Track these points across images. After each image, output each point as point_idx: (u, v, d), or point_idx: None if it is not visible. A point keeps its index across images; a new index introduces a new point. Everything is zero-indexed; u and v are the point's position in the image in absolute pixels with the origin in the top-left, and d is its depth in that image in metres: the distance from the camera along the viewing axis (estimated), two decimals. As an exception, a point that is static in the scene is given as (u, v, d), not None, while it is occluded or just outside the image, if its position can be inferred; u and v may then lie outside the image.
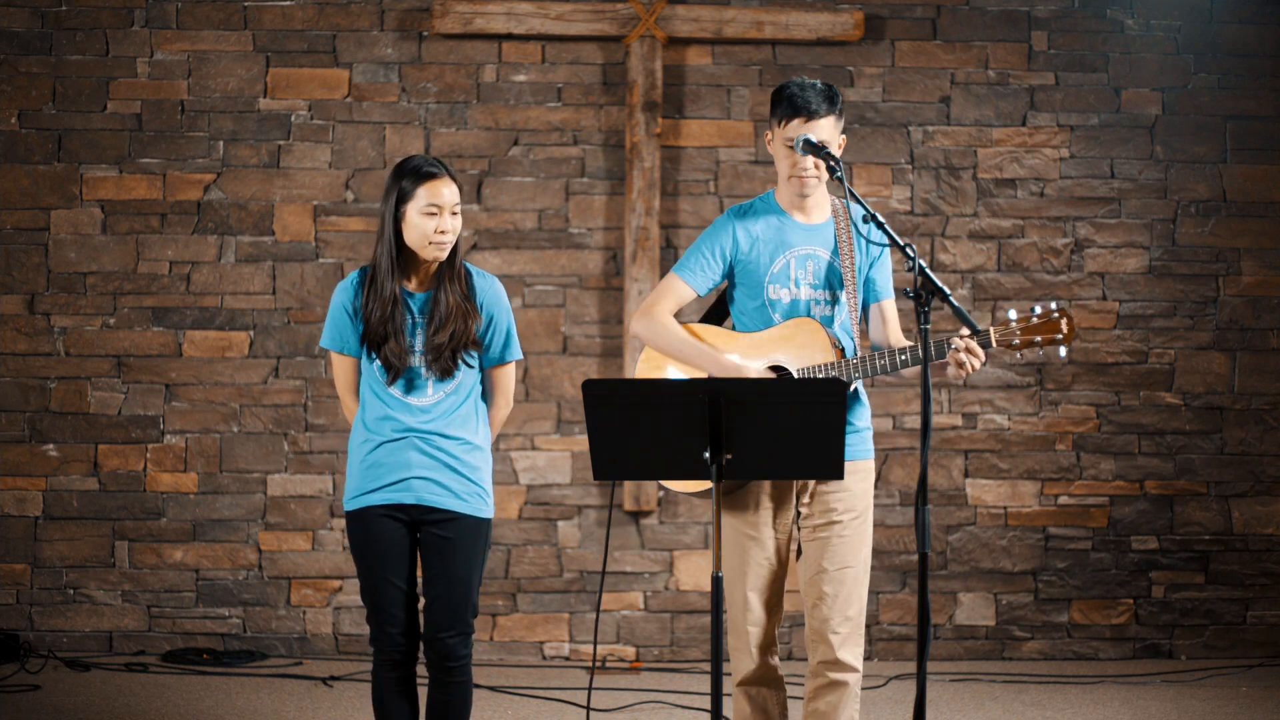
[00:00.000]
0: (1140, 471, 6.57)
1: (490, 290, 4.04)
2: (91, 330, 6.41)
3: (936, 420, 6.52)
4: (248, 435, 6.43)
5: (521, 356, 4.16)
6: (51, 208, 6.42)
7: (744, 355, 3.95)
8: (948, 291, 3.50)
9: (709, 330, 4.06)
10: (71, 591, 6.39)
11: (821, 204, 4.02)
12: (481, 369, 4.06)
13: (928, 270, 3.53)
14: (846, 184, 3.76)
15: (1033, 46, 6.56)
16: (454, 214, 3.93)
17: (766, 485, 3.94)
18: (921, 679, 3.44)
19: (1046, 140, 6.56)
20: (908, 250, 3.57)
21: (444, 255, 3.94)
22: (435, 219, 3.90)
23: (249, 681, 5.96)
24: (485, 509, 4.03)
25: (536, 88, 6.48)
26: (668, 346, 4.01)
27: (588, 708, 4.41)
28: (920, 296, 3.52)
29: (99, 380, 6.41)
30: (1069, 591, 6.55)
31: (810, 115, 3.87)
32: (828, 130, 3.89)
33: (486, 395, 4.10)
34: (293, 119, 6.45)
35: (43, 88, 6.41)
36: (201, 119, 6.43)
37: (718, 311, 4.17)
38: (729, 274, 4.03)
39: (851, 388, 3.93)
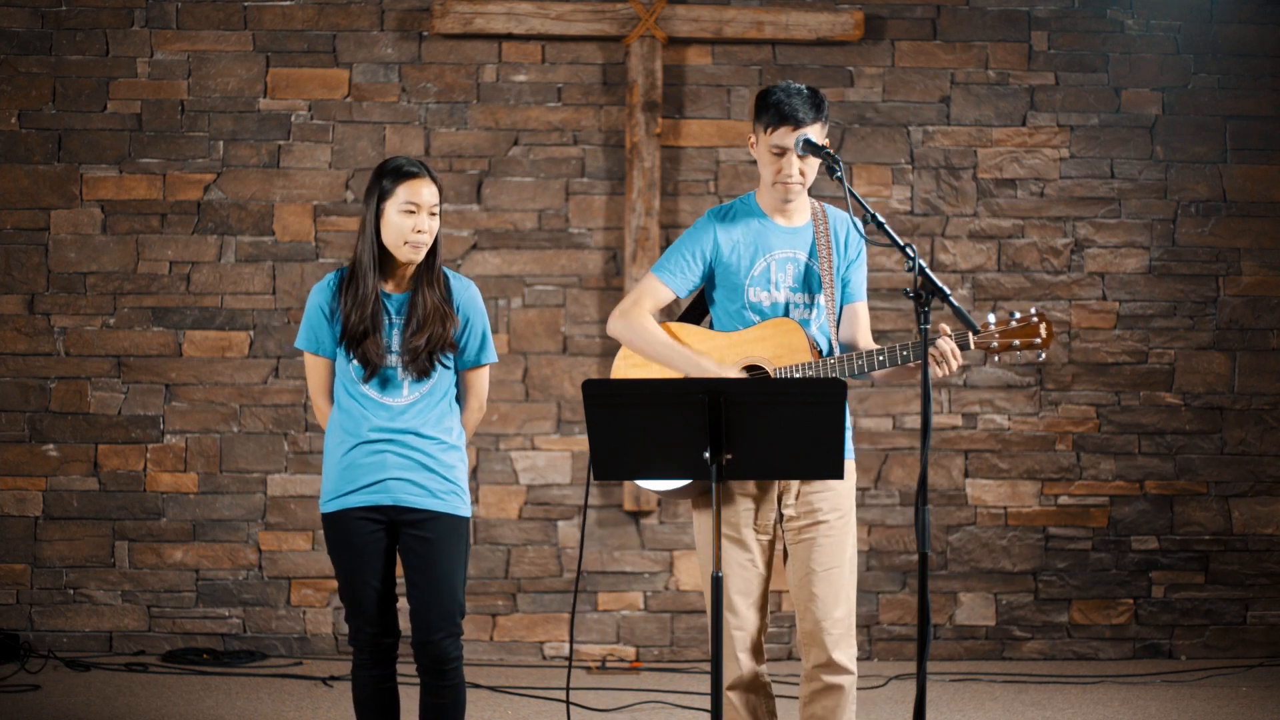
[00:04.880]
0: (1140, 471, 6.57)
1: (466, 294, 4.06)
2: (91, 330, 6.41)
3: (936, 420, 6.52)
4: (248, 435, 6.43)
5: (496, 360, 4.18)
6: (51, 208, 6.42)
7: (721, 355, 3.95)
8: (948, 292, 3.49)
9: (687, 330, 4.05)
10: (71, 591, 6.39)
11: (802, 207, 4.02)
12: (456, 371, 4.08)
13: (928, 270, 3.52)
14: (847, 184, 3.76)
15: (1033, 46, 6.56)
16: (432, 215, 3.94)
17: (749, 485, 3.93)
18: (921, 679, 3.44)
19: (1046, 140, 6.56)
20: (908, 250, 3.56)
21: (419, 257, 3.94)
22: (412, 218, 3.91)
23: (249, 681, 5.96)
24: (463, 508, 4.03)
25: (536, 88, 6.48)
26: (645, 347, 4.00)
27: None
28: (920, 297, 3.51)
29: (99, 380, 6.41)
30: (1069, 591, 6.55)
31: (798, 124, 3.86)
32: (814, 137, 3.87)
33: (460, 398, 4.12)
34: (293, 119, 6.45)
35: (43, 88, 6.41)
36: (201, 119, 6.43)
37: (696, 311, 4.17)
38: (708, 276, 4.03)
39: None
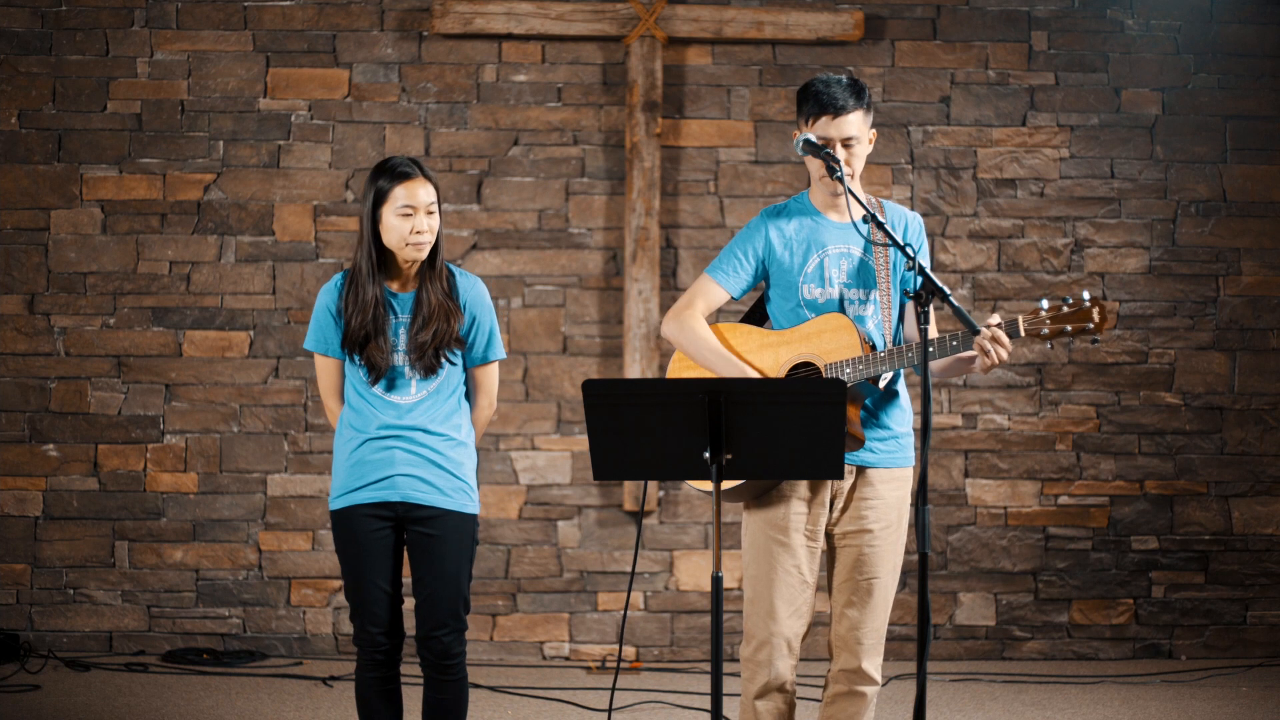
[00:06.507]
0: (1140, 471, 6.57)
1: (473, 290, 4.07)
2: (91, 330, 6.41)
3: (936, 420, 6.52)
4: (248, 435, 6.43)
5: (505, 356, 4.18)
6: (51, 208, 6.42)
7: (773, 355, 3.89)
8: (948, 291, 3.49)
9: (739, 330, 4.00)
10: (71, 591, 6.39)
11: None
12: (465, 368, 4.08)
13: (928, 270, 3.52)
14: (846, 184, 3.76)
15: (1033, 46, 6.56)
16: (430, 214, 3.94)
17: (800, 488, 3.87)
18: (921, 679, 3.44)
19: (1046, 140, 6.56)
20: (907, 250, 3.56)
21: (421, 256, 3.95)
22: (410, 219, 3.92)
23: (249, 681, 5.96)
24: (471, 505, 4.03)
25: (536, 88, 6.48)
26: (695, 352, 3.96)
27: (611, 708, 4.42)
28: (920, 297, 3.50)
29: (99, 380, 6.41)
30: (1069, 591, 6.55)
31: (838, 111, 3.81)
32: (856, 125, 3.82)
33: (470, 395, 4.12)
34: (293, 119, 6.45)
35: (43, 88, 6.41)
36: (201, 119, 6.43)
37: (759, 312, 4.12)
38: (764, 275, 3.98)
39: (882, 384, 3.88)
